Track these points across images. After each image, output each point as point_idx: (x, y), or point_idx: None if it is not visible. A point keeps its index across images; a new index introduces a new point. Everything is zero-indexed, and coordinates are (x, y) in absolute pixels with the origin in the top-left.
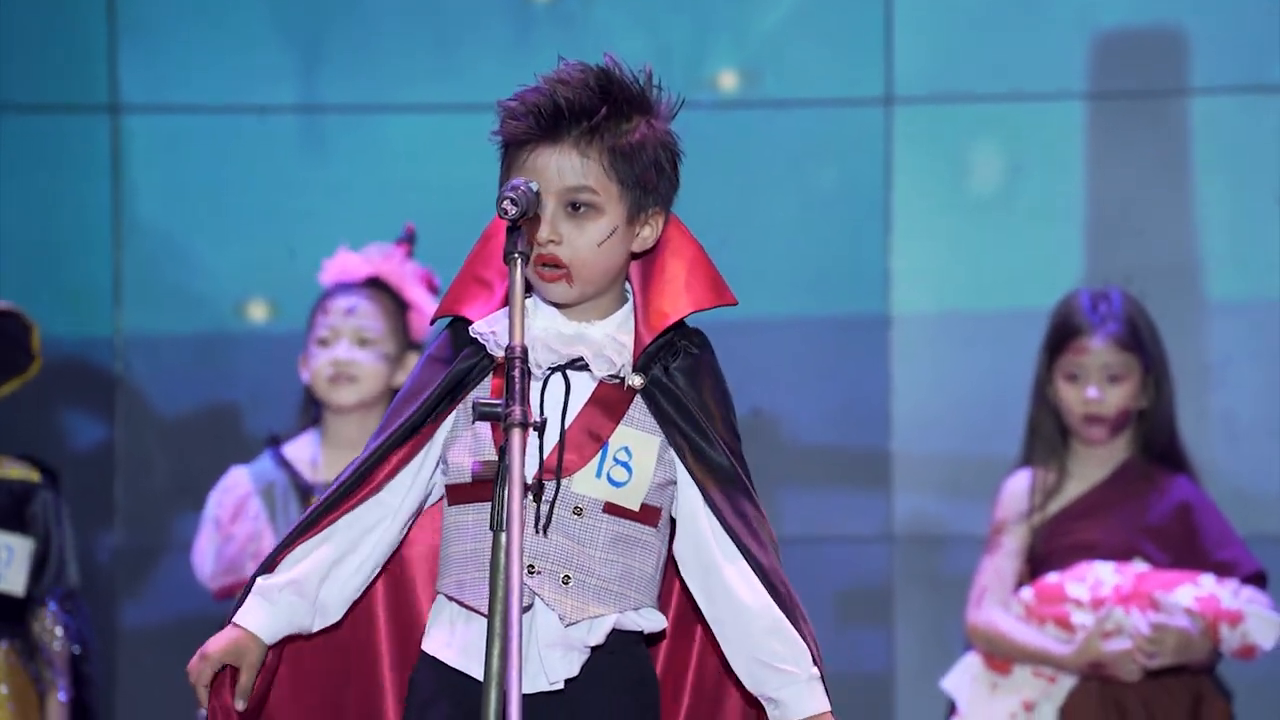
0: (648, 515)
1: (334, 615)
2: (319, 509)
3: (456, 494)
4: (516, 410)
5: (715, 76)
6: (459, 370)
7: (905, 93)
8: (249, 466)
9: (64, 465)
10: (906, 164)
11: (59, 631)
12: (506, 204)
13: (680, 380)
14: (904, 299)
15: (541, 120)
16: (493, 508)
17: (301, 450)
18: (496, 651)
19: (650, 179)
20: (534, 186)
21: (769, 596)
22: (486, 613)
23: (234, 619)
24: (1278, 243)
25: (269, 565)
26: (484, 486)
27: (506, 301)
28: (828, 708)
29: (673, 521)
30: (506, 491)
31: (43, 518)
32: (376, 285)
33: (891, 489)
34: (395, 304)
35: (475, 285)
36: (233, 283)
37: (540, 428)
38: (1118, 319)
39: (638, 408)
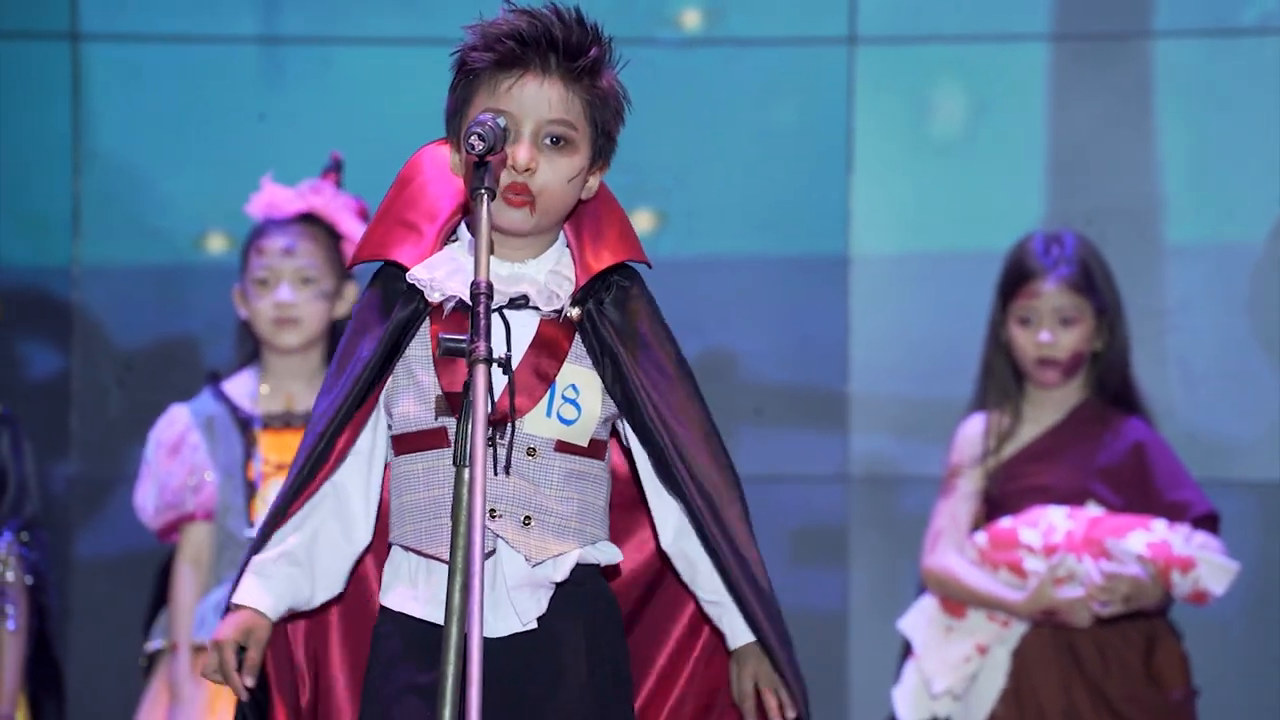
0: (596, 450)
1: (337, 586)
2: (293, 485)
3: (404, 444)
4: (481, 346)
5: (679, 14)
6: (397, 323)
7: (868, 32)
8: (188, 404)
9: (19, 395)
10: (868, 104)
11: (12, 562)
12: (474, 139)
13: (612, 313)
14: (864, 239)
15: (534, 48)
16: (455, 444)
17: (240, 386)
18: (458, 586)
19: (613, 129)
20: (501, 122)
21: (706, 542)
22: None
23: (231, 599)
24: (1238, 187)
25: (258, 546)
26: (430, 435)
27: (442, 245)
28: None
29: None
30: (470, 427)
31: (1, 449)
32: (309, 220)
33: (848, 430)
34: (330, 237)
35: (401, 229)
36: (191, 214)
37: (505, 363)
38: (1070, 262)
39: (579, 344)
